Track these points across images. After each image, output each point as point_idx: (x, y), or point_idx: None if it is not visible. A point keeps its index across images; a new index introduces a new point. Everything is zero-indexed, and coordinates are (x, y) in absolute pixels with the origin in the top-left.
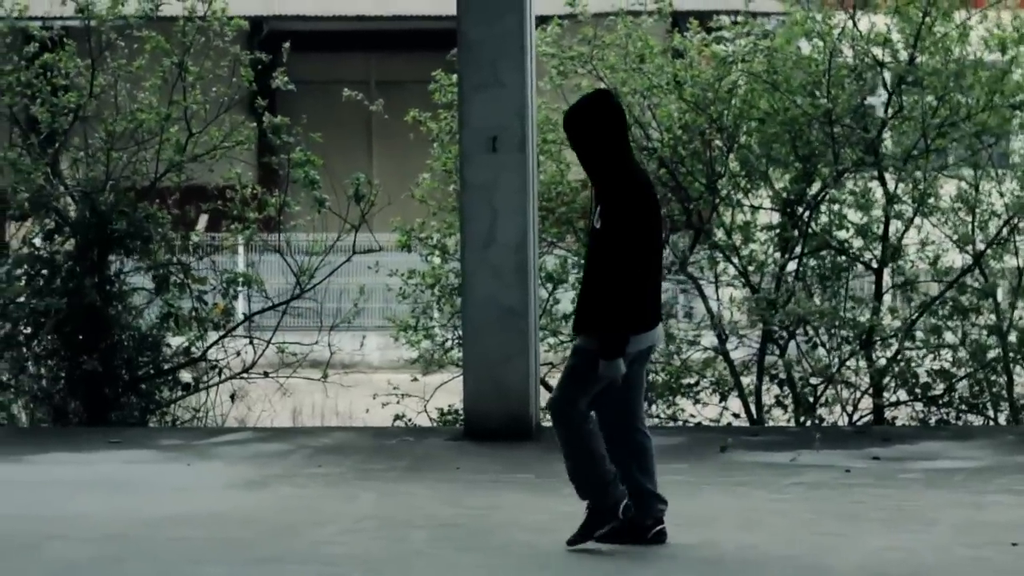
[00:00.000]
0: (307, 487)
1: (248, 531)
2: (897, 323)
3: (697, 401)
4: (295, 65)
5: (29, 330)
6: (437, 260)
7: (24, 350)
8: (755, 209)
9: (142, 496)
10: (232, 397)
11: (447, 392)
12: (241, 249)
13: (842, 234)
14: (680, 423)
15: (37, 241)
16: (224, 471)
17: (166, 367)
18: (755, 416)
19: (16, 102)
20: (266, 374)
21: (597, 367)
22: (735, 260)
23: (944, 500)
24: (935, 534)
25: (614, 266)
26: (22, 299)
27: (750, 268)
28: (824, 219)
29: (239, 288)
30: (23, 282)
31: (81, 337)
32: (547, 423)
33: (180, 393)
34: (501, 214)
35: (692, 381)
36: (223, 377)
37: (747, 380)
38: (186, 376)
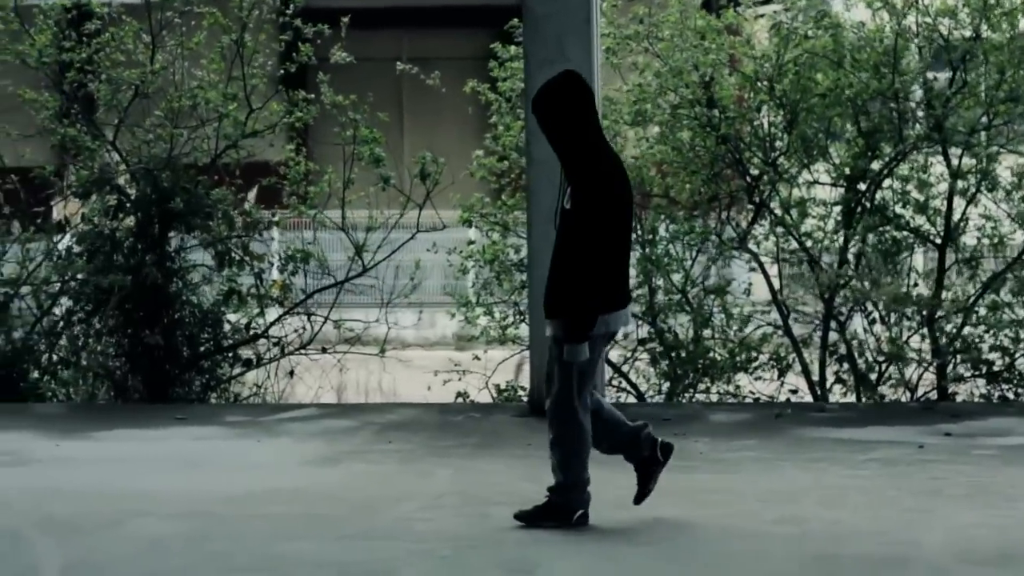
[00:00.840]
0: (381, 463)
1: (330, 508)
2: (959, 299)
3: (758, 378)
4: (325, 43)
5: (90, 307)
6: (497, 236)
7: (86, 327)
8: (814, 185)
9: (218, 473)
10: (291, 373)
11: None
12: (276, 229)
13: (903, 210)
14: (740, 399)
15: (95, 218)
16: (296, 448)
17: (226, 344)
18: (818, 392)
19: (78, 79)
20: (324, 350)
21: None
22: (795, 236)
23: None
24: (1021, 511)
25: (583, 248)
26: (81, 276)
27: (809, 244)
28: (886, 195)
29: (299, 265)
30: (85, 259)
31: (142, 314)
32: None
33: (241, 369)
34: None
35: (748, 357)
36: (284, 353)
37: (807, 357)
38: (246, 352)
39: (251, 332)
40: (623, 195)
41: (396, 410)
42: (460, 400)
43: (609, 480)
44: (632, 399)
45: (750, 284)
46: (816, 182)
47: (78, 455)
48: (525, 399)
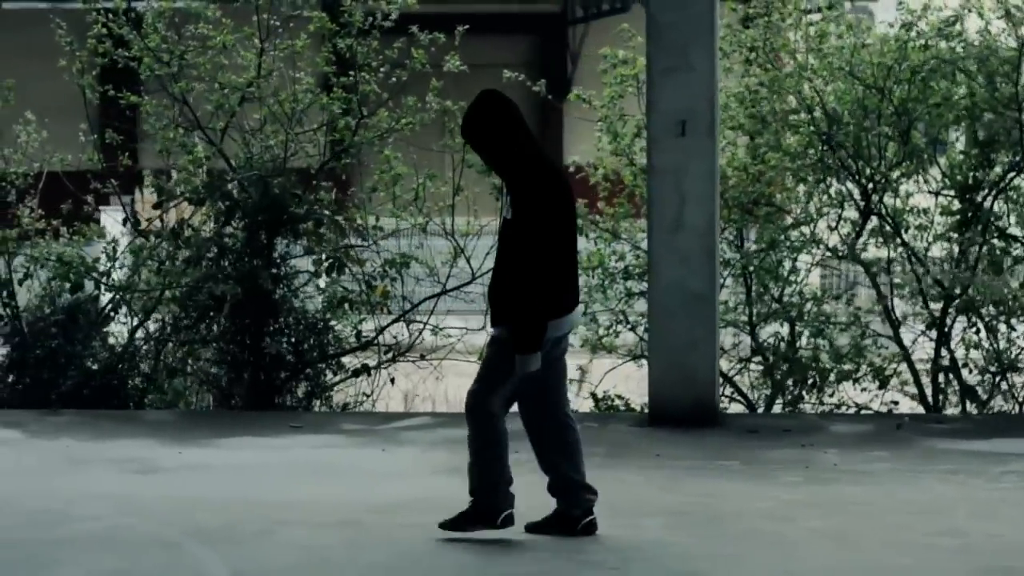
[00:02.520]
0: (515, 474)
1: None
2: None
3: (864, 389)
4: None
5: (195, 315)
6: (604, 245)
7: (192, 334)
8: (925, 194)
9: (353, 481)
10: (392, 381)
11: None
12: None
13: (1016, 223)
14: (859, 410)
15: (201, 225)
16: (423, 457)
17: (331, 351)
18: (931, 403)
19: (187, 86)
20: (422, 356)
21: (511, 359)
22: (906, 245)
23: None
24: None
25: (526, 257)
26: (188, 283)
27: (920, 253)
28: (1001, 206)
29: (399, 271)
30: (192, 266)
31: (247, 321)
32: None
33: (349, 376)
34: (689, 199)
35: (856, 367)
36: (392, 359)
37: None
38: (354, 360)
39: (362, 340)
40: (563, 202)
41: (512, 420)
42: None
43: (764, 493)
44: (742, 408)
45: (853, 294)
46: (928, 192)
47: (205, 463)
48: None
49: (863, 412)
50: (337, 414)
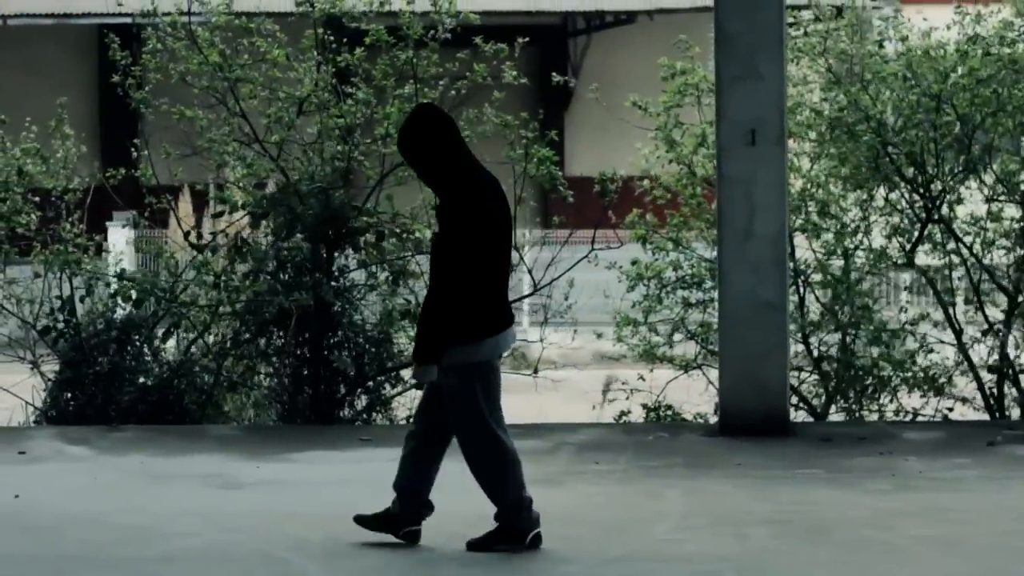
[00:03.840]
0: (603, 484)
1: (577, 530)
2: None
3: (923, 395)
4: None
5: (254, 328)
6: (668, 254)
7: (253, 348)
8: (984, 201)
9: (441, 494)
10: None
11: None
12: None
13: None
14: (930, 418)
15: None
16: None
17: (390, 364)
18: (996, 411)
19: (252, 93)
20: None
21: (474, 379)
22: (968, 250)
23: None
24: None
25: (445, 271)
26: (246, 297)
27: (979, 259)
28: None
29: None
30: (257, 279)
31: (307, 335)
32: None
33: (408, 388)
34: (759, 208)
35: (915, 375)
36: None
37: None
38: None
39: None
40: (498, 217)
41: (580, 430)
42: (622, 419)
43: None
44: (805, 416)
45: (908, 300)
46: (988, 199)
47: (284, 477)
48: (708, 419)
49: (933, 420)
50: (403, 427)
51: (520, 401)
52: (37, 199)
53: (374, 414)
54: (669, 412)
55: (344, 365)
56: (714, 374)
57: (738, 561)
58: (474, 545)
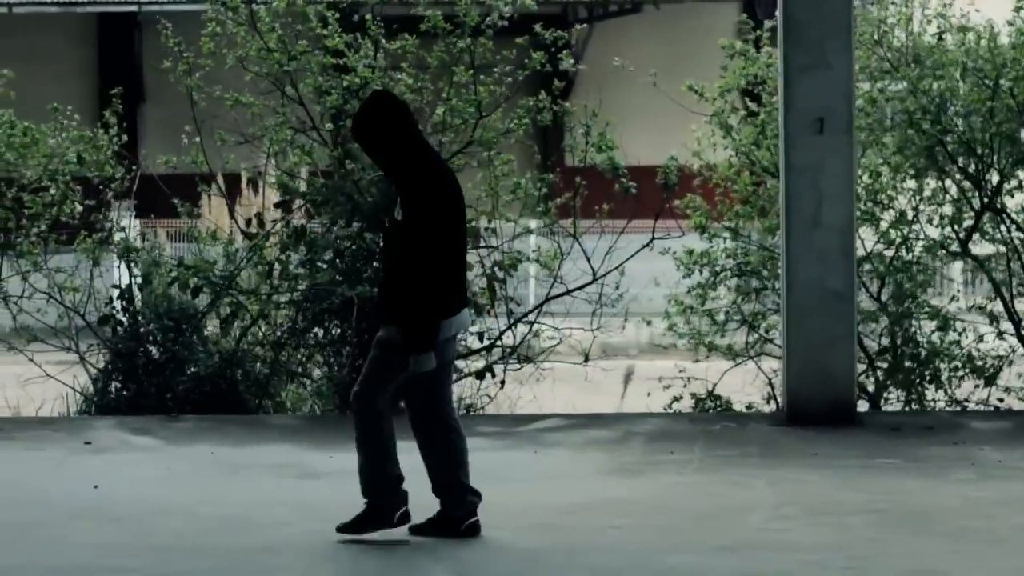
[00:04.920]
0: (684, 474)
1: (671, 519)
2: None
3: (977, 385)
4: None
5: (311, 317)
6: (724, 241)
7: (312, 338)
8: None
9: (524, 484)
10: (502, 383)
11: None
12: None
13: None
14: (995, 406)
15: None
16: (579, 458)
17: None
18: None
19: (314, 82)
20: (528, 359)
21: (399, 358)
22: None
23: None
24: None
25: (417, 257)
26: (310, 285)
27: None
28: None
29: (508, 272)
30: (313, 268)
31: (363, 324)
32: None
33: (463, 377)
34: (827, 197)
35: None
36: (520, 362)
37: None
38: (475, 363)
39: (485, 341)
40: (453, 203)
41: (644, 420)
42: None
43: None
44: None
45: (959, 290)
46: None
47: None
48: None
49: (997, 409)
50: (471, 417)
51: (567, 391)
52: (79, 187)
53: None
54: (718, 402)
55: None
56: (767, 364)
57: (846, 550)
58: (343, 528)
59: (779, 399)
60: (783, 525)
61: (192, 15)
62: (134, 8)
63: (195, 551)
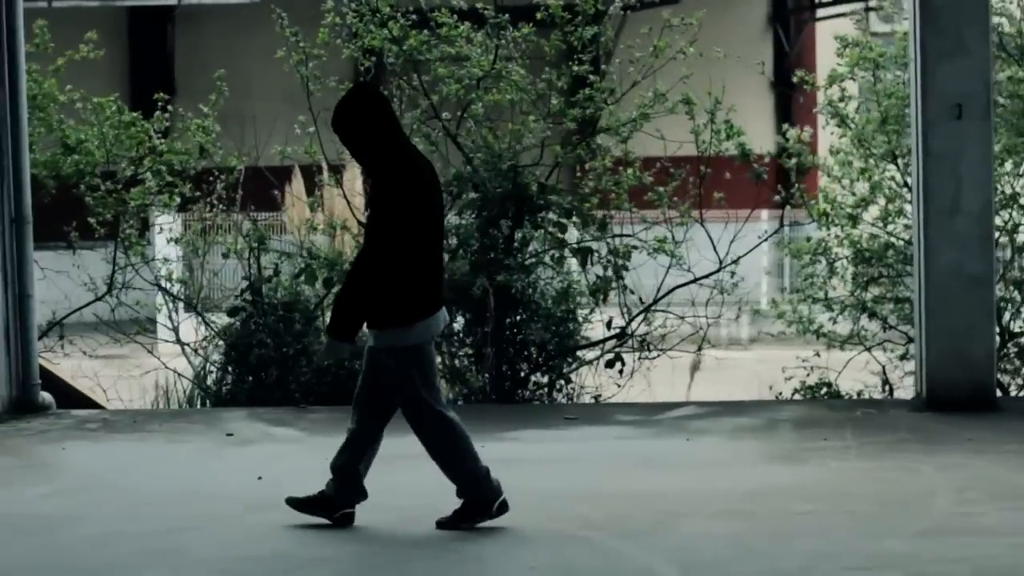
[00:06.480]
0: (847, 460)
1: (860, 504)
2: None
3: None
4: None
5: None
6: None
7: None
8: None
9: (693, 471)
10: (620, 372)
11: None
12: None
13: None
14: None
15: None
16: (733, 445)
17: (571, 343)
18: None
19: (438, 71)
20: (643, 346)
21: (410, 362)
22: None
23: None
24: None
25: (378, 250)
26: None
27: None
28: None
29: (621, 261)
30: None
31: (488, 314)
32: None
33: (582, 365)
34: (966, 183)
35: None
36: (645, 350)
37: None
38: (595, 352)
39: (613, 330)
40: (430, 199)
41: (781, 407)
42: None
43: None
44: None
45: None
46: None
47: (514, 456)
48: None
49: None
50: (602, 406)
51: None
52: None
53: (555, 393)
54: (825, 389)
55: (538, 339)
56: (878, 352)
57: None
58: (443, 524)
59: (916, 385)
60: (973, 509)
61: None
62: (173, 1)
63: (392, 541)
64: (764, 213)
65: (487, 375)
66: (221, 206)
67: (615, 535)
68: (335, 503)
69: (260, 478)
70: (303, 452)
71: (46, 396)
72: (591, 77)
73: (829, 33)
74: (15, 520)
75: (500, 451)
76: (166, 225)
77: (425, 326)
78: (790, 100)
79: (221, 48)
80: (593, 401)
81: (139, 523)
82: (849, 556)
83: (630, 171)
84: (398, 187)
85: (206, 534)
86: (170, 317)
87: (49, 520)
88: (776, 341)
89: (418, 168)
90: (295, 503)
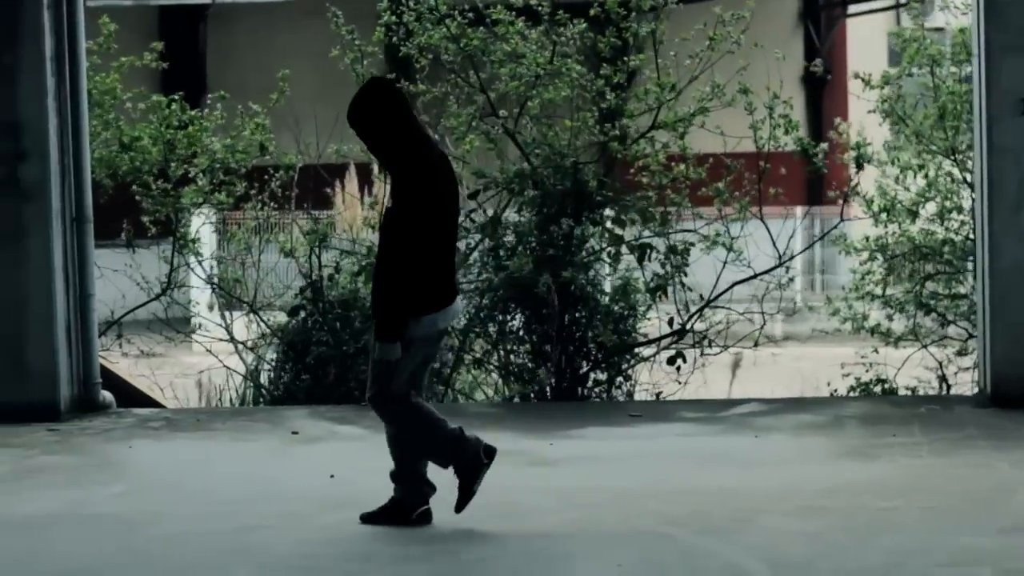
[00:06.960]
0: (919, 456)
1: (940, 500)
2: None
3: None
4: None
5: (497, 304)
6: (899, 226)
7: (499, 324)
8: None
9: (763, 468)
10: (678, 369)
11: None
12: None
13: None
14: None
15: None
16: (802, 442)
17: (629, 340)
18: None
19: (497, 69)
20: (703, 342)
21: (413, 352)
22: None
23: None
24: None
25: (402, 246)
26: (491, 273)
27: None
28: None
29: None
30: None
31: (545, 311)
32: None
33: (642, 360)
34: None
35: None
36: (703, 347)
37: None
38: (656, 348)
39: (674, 327)
40: (445, 193)
41: (845, 404)
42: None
43: None
44: None
45: None
46: None
47: (584, 454)
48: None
49: None
50: (664, 403)
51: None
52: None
53: (614, 390)
54: (879, 385)
55: (603, 337)
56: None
57: None
58: (460, 504)
59: (980, 381)
60: None
61: (263, 8)
62: (207, 0)
63: (471, 537)
64: (797, 209)
65: (550, 373)
66: (273, 204)
67: (696, 532)
68: (408, 505)
69: (332, 476)
70: (369, 449)
71: (107, 395)
72: (647, 72)
73: (860, 29)
74: (94, 519)
75: (569, 449)
76: (214, 223)
77: (432, 320)
78: (821, 96)
79: (252, 46)
80: (654, 398)
81: (216, 522)
82: (935, 553)
83: (683, 167)
84: (413, 181)
85: (284, 533)
86: (223, 316)
87: (127, 519)
88: (811, 338)
89: (432, 162)
90: (369, 518)
